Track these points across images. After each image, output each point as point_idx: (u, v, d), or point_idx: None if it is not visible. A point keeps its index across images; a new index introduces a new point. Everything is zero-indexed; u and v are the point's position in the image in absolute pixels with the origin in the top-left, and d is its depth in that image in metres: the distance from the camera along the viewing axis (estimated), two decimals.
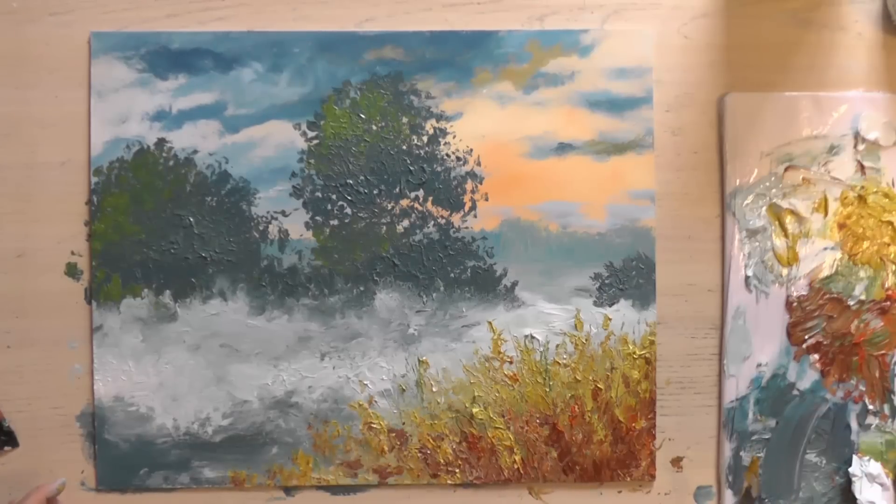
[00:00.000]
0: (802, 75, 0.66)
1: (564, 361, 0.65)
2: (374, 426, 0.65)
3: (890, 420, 0.65)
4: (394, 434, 0.65)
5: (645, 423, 0.65)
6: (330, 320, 0.65)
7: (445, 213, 0.65)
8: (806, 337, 0.65)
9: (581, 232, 0.65)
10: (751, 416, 0.65)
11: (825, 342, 0.65)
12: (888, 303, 0.65)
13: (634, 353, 0.65)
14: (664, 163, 0.65)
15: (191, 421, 0.64)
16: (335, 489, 0.65)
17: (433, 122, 0.65)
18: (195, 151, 0.65)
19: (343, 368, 0.65)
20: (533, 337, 0.65)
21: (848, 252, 0.65)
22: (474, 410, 0.65)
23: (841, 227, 0.65)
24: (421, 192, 0.65)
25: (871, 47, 0.66)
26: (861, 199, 0.65)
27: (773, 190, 0.65)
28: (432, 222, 0.65)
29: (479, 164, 0.65)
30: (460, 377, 0.65)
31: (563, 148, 0.65)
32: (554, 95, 0.65)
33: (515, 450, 0.65)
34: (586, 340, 0.65)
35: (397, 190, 0.65)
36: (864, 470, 0.64)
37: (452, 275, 0.65)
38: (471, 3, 0.65)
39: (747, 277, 0.65)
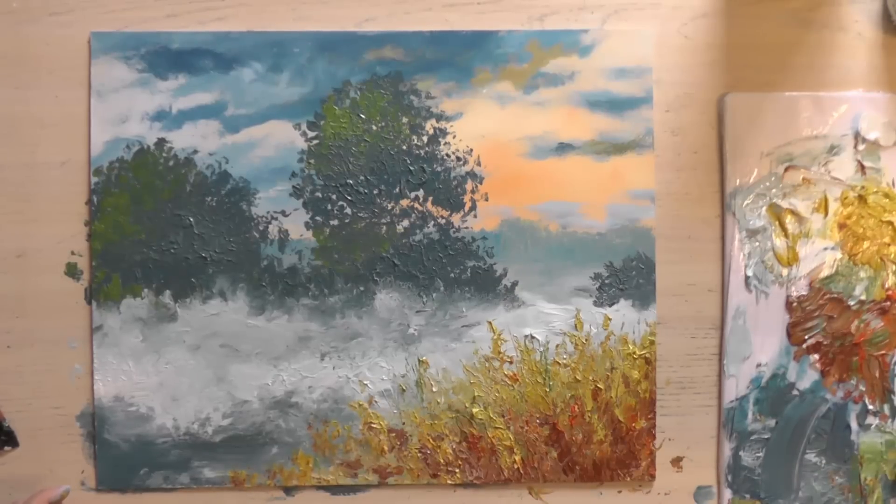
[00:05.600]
0: (802, 75, 0.66)
1: (564, 361, 0.65)
2: (374, 426, 0.65)
3: (890, 420, 0.65)
4: (394, 434, 0.65)
5: (645, 423, 0.65)
6: (330, 320, 0.65)
7: (445, 213, 0.65)
8: (806, 337, 0.65)
9: (581, 232, 0.65)
10: (751, 416, 0.65)
11: (825, 342, 0.65)
12: (888, 303, 0.65)
13: (634, 353, 0.65)
14: (664, 163, 0.65)
15: (191, 421, 0.64)
16: (335, 489, 0.65)
17: (433, 122, 0.65)
18: (195, 151, 0.65)
19: (343, 368, 0.65)
20: (533, 337, 0.65)
21: (848, 252, 0.65)
22: (474, 410, 0.65)
23: (841, 227, 0.65)
24: (421, 192, 0.65)
25: (871, 47, 0.66)
26: (861, 199, 0.65)
27: (773, 190, 0.65)
28: (432, 222, 0.65)
29: (479, 164, 0.65)
30: (460, 377, 0.65)
31: (563, 148, 0.65)
32: (554, 95, 0.65)
33: (515, 450, 0.65)
34: (586, 340, 0.65)
35: (397, 190, 0.65)
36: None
37: (452, 275, 0.65)
38: (471, 3, 0.65)
39: (747, 277, 0.65)
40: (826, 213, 0.65)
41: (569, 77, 0.65)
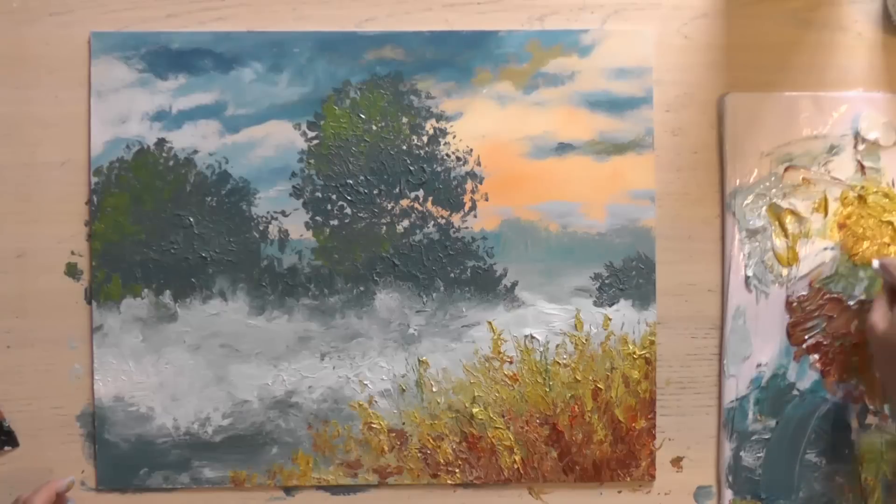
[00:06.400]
0: (802, 75, 0.66)
1: (564, 361, 0.65)
2: (374, 426, 0.65)
3: (890, 420, 0.65)
4: (394, 434, 0.65)
5: (645, 423, 0.65)
6: (330, 320, 0.65)
7: (445, 213, 0.65)
8: (806, 337, 0.65)
9: (581, 232, 0.65)
10: (751, 416, 0.65)
11: (825, 342, 0.65)
12: None
13: (634, 353, 0.65)
14: (664, 163, 0.65)
15: (191, 421, 0.64)
16: (335, 489, 0.65)
17: (433, 122, 0.65)
18: (195, 151, 0.65)
19: (343, 368, 0.65)
20: (533, 337, 0.65)
21: (848, 252, 0.65)
22: (474, 410, 0.65)
23: (841, 227, 0.65)
24: (421, 192, 0.65)
25: (871, 47, 0.66)
26: (861, 199, 0.65)
27: (773, 190, 0.65)
28: (432, 222, 0.65)
29: (479, 164, 0.65)
30: (460, 377, 0.65)
31: (563, 148, 0.65)
32: (554, 95, 0.65)
33: (515, 450, 0.65)
34: (586, 340, 0.65)
35: (397, 190, 0.65)
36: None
37: (452, 275, 0.65)
38: (471, 3, 0.65)
39: (747, 277, 0.65)
40: (826, 213, 0.65)
41: (569, 77, 0.65)
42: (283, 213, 0.65)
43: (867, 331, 0.61)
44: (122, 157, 0.64)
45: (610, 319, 0.65)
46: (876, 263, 0.62)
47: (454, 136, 0.65)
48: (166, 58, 0.64)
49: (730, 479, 0.65)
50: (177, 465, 0.64)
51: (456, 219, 0.65)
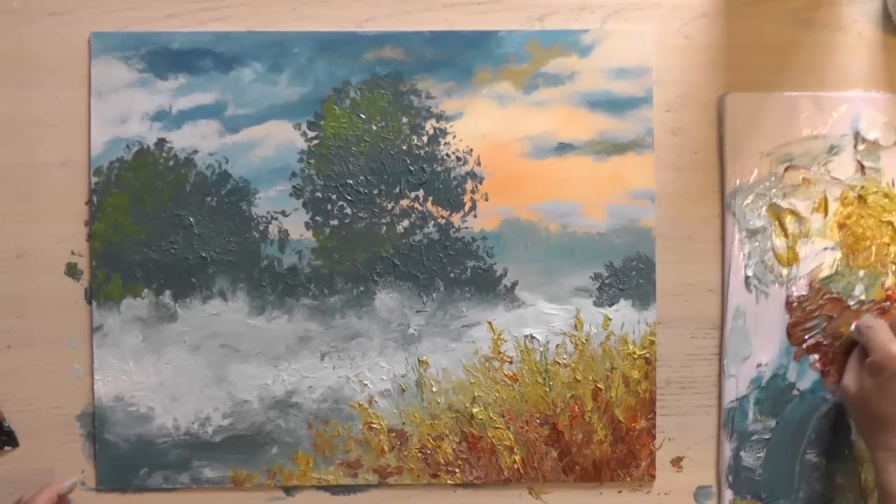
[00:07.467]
0: (802, 75, 0.66)
1: (564, 361, 0.65)
2: (374, 426, 0.65)
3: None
4: (394, 434, 0.65)
5: (645, 423, 0.65)
6: (330, 320, 0.65)
7: (445, 213, 0.65)
8: (806, 337, 0.65)
9: (581, 232, 0.65)
10: (751, 416, 0.65)
11: (825, 342, 0.65)
12: (888, 303, 0.65)
13: (634, 353, 0.65)
14: (664, 163, 0.65)
15: (191, 421, 0.64)
16: (335, 489, 0.65)
17: (433, 122, 0.65)
18: (195, 151, 0.65)
19: (343, 368, 0.65)
20: (533, 337, 0.65)
21: (848, 252, 0.65)
22: (474, 410, 0.65)
23: (841, 227, 0.65)
24: (421, 192, 0.65)
25: (871, 47, 0.66)
26: (861, 199, 0.65)
27: (773, 190, 0.65)
28: (432, 222, 0.65)
29: (479, 164, 0.65)
30: (460, 377, 0.65)
31: (563, 148, 0.65)
32: (554, 95, 0.65)
33: (515, 450, 0.65)
34: (586, 340, 0.65)
35: (397, 190, 0.65)
36: None
37: (452, 275, 0.65)
38: (471, 3, 0.65)
39: (747, 277, 0.65)
40: (826, 213, 0.65)
41: (569, 77, 0.65)
42: (283, 213, 0.65)
43: (840, 392, 0.62)
44: (122, 157, 0.64)
45: (610, 319, 0.65)
46: (853, 326, 0.63)
47: (454, 136, 0.65)
48: (166, 58, 0.64)
49: (730, 479, 0.65)
50: (177, 465, 0.64)
51: (456, 219, 0.65)
